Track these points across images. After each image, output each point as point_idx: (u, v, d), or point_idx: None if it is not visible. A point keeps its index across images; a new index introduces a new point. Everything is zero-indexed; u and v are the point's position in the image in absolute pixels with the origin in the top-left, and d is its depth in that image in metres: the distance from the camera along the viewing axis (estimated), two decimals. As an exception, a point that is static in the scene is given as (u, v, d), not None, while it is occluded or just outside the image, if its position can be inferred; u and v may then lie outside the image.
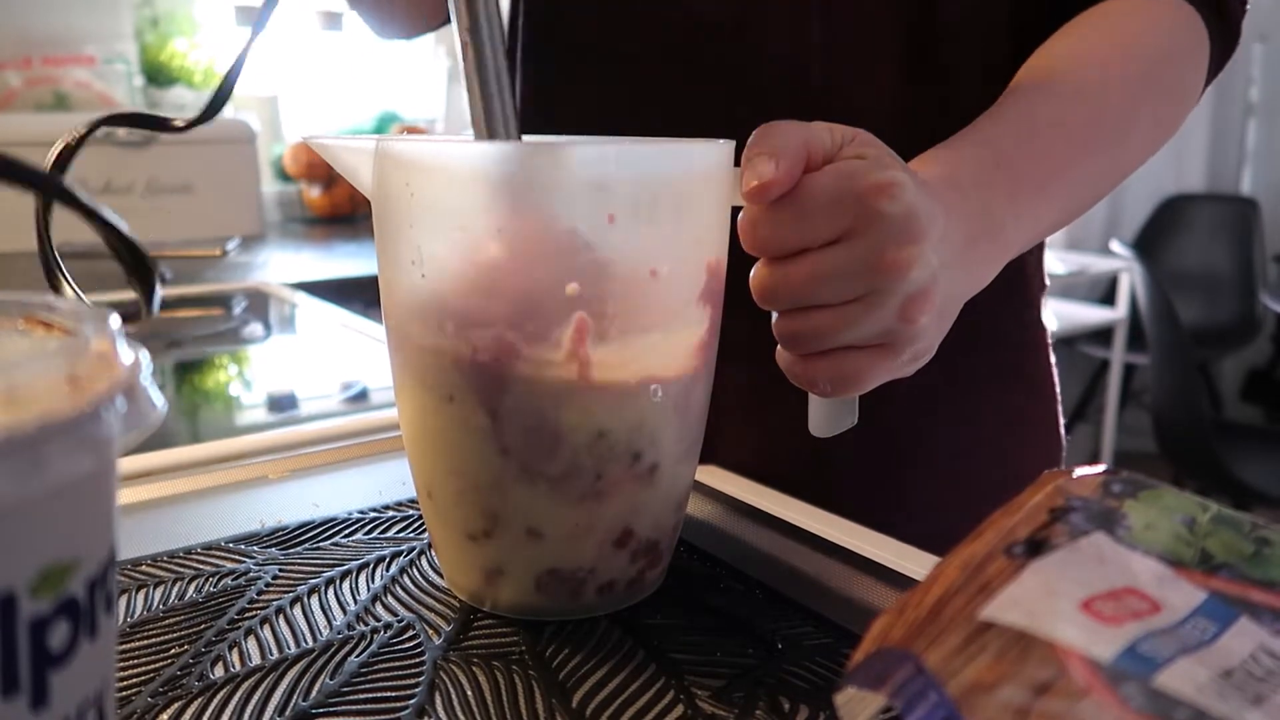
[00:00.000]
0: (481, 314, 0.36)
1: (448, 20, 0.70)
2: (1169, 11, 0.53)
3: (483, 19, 0.38)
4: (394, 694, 0.35)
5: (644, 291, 0.37)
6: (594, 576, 0.40)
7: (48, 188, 0.21)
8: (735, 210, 0.39)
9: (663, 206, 0.36)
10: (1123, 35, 0.52)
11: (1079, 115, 0.48)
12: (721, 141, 0.38)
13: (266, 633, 0.39)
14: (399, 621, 0.40)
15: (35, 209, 0.31)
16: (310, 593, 0.42)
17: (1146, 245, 3.03)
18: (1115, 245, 2.53)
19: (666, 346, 0.38)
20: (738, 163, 0.38)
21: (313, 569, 0.44)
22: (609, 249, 0.36)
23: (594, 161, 0.36)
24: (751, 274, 0.38)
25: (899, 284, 0.36)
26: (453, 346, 0.36)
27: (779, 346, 0.39)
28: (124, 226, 0.23)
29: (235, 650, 0.37)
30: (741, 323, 0.45)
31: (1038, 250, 0.65)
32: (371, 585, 0.43)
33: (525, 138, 0.42)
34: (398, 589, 0.42)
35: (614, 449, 0.38)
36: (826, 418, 0.43)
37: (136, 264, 0.24)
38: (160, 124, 0.41)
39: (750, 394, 0.60)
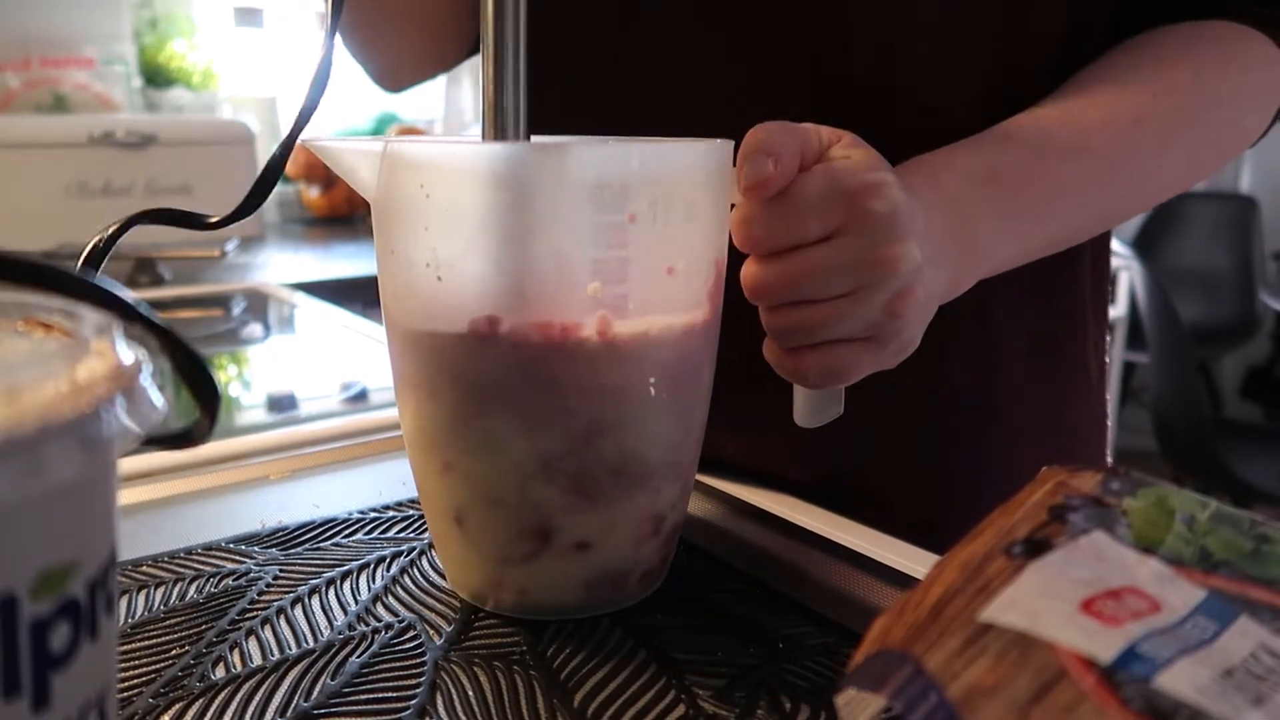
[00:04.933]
0: (505, 315, 0.36)
1: (455, 64, 0.69)
2: (1252, 49, 0.49)
3: (509, 15, 0.38)
4: (395, 694, 0.35)
5: (662, 288, 0.37)
6: (636, 568, 0.41)
7: (103, 300, 0.20)
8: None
9: (679, 205, 0.37)
10: (1182, 66, 0.49)
11: (1098, 142, 0.46)
12: (719, 141, 0.39)
13: (267, 633, 0.39)
14: (400, 622, 0.40)
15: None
16: (311, 593, 0.42)
17: (1146, 243, 3.03)
18: (1114, 243, 2.52)
19: (681, 340, 0.39)
20: (733, 162, 0.38)
21: (313, 569, 0.44)
22: (630, 248, 0.36)
23: (617, 162, 0.37)
24: (743, 270, 0.39)
25: (888, 279, 0.37)
26: (475, 350, 0.36)
27: (767, 340, 0.40)
28: (186, 340, 0.22)
29: (236, 651, 0.37)
30: (736, 319, 0.45)
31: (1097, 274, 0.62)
32: (372, 585, 0.43)
33: (536, 137, 0.42)
34: (398, 589, 0.42)
35: (640, 440, 0.38)
36: (812, 409, 0.43)
37: (200, 381, 0.22)
38: (192, 221, 0.40)
39: (744, 387, 0.59)
